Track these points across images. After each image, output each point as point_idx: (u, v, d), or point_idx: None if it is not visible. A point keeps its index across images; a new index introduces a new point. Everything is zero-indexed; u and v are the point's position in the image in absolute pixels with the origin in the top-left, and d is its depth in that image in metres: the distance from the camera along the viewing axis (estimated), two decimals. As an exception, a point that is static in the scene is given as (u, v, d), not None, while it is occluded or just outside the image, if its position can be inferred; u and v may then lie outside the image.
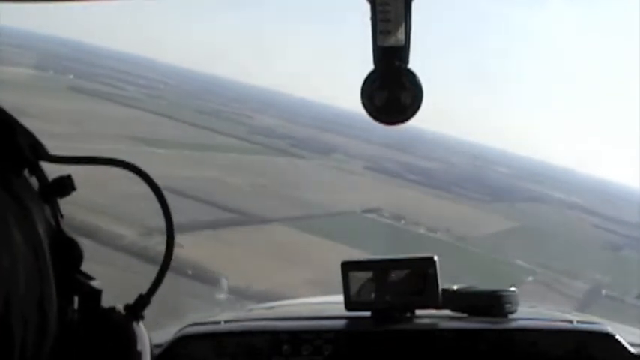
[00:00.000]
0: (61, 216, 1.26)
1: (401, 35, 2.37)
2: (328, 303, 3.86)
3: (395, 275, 3.31)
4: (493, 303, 3.32)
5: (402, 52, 2.41)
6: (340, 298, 3.37)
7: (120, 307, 1.37)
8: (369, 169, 49.58)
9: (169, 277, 1.52)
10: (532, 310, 3.63)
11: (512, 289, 3.38)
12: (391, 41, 2.38)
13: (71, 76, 56.59)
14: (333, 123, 64.29)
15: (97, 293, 1.29)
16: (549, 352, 3.16)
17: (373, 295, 3.32)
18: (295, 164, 47.59)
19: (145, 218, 27.80)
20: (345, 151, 52.54)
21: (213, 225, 29.97)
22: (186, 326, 3.26)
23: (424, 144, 62.27)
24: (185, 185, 35.91)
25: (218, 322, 3.31)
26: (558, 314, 3.51)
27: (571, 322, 3.26)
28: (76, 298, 1.28)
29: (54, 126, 40.03)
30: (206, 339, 3.23)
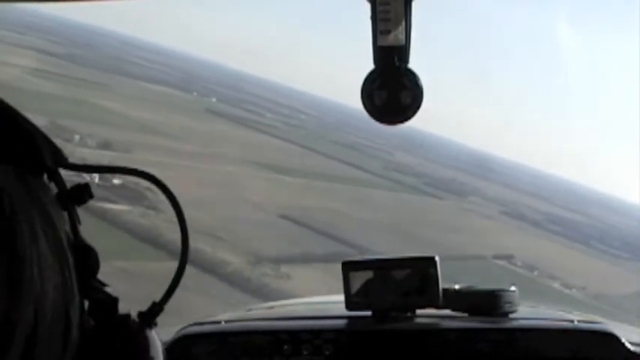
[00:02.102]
0: (79, 222, 1.26)
1: (401, 35, 2.38)
2: (328, 303, 3.82)
3: (396, 275, 3.31)
4: (494, 303, 3.28)
5: (402, 52, 2.42)
6: (340, 297, 3.33)
7: (134, 314, 1.36)
8: (506, 215, 47.56)
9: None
10: (533, 310, 3.60)
11: (513, 288, 3.35)
12: (391, 41, 2.39)
13: (214, 99, 57.19)
14: (473, 165, 62.26)
15: (114, 301, 1.30)
16: (550, 352, 3.14)
17: (374, 294, 3.30)
18: (427, 203, 45.94)
19: (259, 246, 26.40)
20: (482, 194, 50.66)
21: (328, 258, 28.47)
22: (187, 326, 3.26)
23: (565, 194, 59.34)
24: (306, 215, 34.76)
25: (219, 322, 3.31)
26: (559, 314, 3.45)
27: (572, 321, 3.23)
28: (92, 306, 1.28)
29: (183, 144, 40.28)
30: (207, 339, 3.24)
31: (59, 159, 1.26)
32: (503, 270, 35.73)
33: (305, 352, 3.17)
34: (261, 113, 58.39)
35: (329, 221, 33.94)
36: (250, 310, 3.86)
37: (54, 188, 1.25)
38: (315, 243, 30.38)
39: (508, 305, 3.31)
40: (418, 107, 2.47)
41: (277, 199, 36.30)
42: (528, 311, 3.48)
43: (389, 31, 2.38)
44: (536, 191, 55.97)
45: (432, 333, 3.22)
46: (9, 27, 57.18)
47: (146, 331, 1.38)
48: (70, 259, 1.17)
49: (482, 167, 64.35)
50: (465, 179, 55.11)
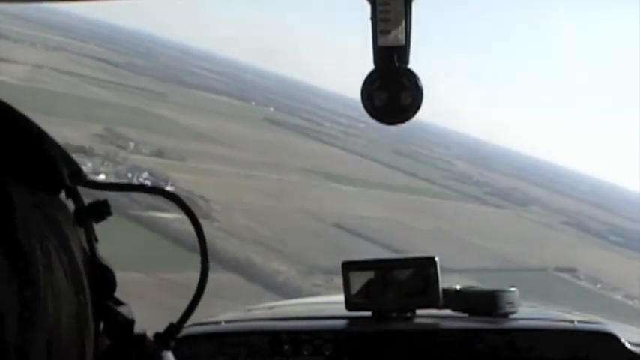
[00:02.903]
0: (96, 240, 1.23)
1: (401, 35, 2.39)
2: (328, 303, 3.81)
3: (396, 275, 3.28)
4: (494, 303, 3.24)
5: (402, 52, 2.42)
6: (340, 298, 3.29)
7: (150, 335, 1.35)
8: (568, 225, 46.53)
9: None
10: (533, 310, 3.54)
11: (513, 289, 3.29)
12: (391, 41, 2.40)
13: (272, 109, 57.15)
14: (534, 174, 61.31)
15: (130, 322, 1.27)
16: (550, 352, 3.13)
17: (374, 295, 3.27)
18: (487, 213, 45.24)
19: (312, 256, 25.91)
20: (543, 204, 49.72)
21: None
22: (186, 326, 2.17)
23: (627, 204, 57.91)
24: (363, 224, 34.29)
25: (219, 322, 3.30)
26: (559, 314, 3.43)
27: (572, 322, 3.19)
28: (108, 327, 1.24)
29: (239, 153, 40.20)
30: (207, 339, 3.22)
31: (78, 177, 1.22)
32: (566, 283, 34.99)
33: (305, 353, 3.16)
34: (319, 122, 58.29)
35: (386, 231, 33.48)
36: (250, 310, 3.85)
37: (71, 206, 1.22)
38: (370, 253, 29.72)
39: (508, 305, 3.28)
40: (418, 107, 2.47)
41: (333, 208, 35.92)
42: (528, 311, 3.46)
43: (389, 31, 2.38)
44: (597, 201, 54.63)
45: (432, 333, 3.22)
46: (71, 35, 57.81)
47: (162, 353, 1.36)
48: (86, 283, 1.14)
49: (542, 176, 63.36)
50: (525, 188, 54.30)
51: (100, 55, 54.14)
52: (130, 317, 1.26)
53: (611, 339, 3.14)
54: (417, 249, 31.00)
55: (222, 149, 39.77)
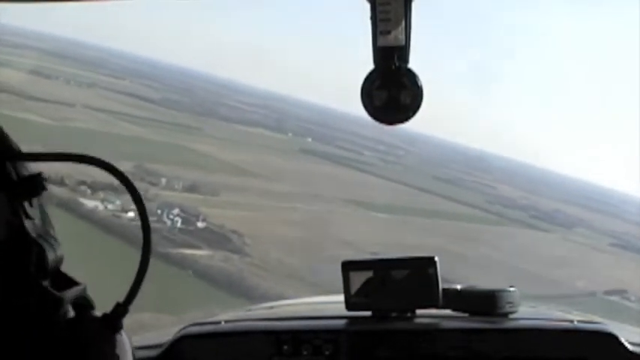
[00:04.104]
0: (28, 217, 1.24)
1: (401, 35, 2.42)
2: (328, 303, 3.80)
3: (395, 275, 3.29)
4: (493, 303, 3.28)
5: (402, 52, 2.45)
6: (340, 298, 3.34)
7: (97, 314, 1.33)
8: (615, 246, 45.23)
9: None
10: (533, 310, 3.55)
11: (512, 289, 3.33)
12: (391, 41, 2.42)
13: (309, 139, 56.49)
14: (579, 196, 59.99)
15: (58, 300, 1.24)
16: (550, 352, 3.15)
17: (374, 295, 3.29)
18: (533, 236, 44.43)
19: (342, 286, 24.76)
20: (589, 226, 48.48)
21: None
22: (186, 326, 3.28)
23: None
24: (404, 253, 33.04)
25: (218, 322, 3.34)
26: (559, 314, 3.45)
27: (572, 322, 3.22)
28: (34, 305, 1.23)
29: (275, 185, 40.09)
30: (207, 339, 3.26)
31: (7, 152, 1.24)
32: (616, 306, 33.32)
33: (305, 352, 3.18)
34: (358, 151, 57.59)
35: (430, 258, 32.50)
36: (250, 310, 3.85)
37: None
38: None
39: (508, 305, 3.28)
40: (418, 107, 2.49)
41: (371, 237, 35.13)
42: (528, 311, 3.45)
43: (389, 31, 2.40)
44: (644, 221, 53.35)
45: (432, 333, 3.20)
46: (105, 72, 57.90)
47: (109, 334, 1.28)
48: None
49: (587, 198, 62.03)
50: (571, 211, 53.03)
51: (134, 91, 54.21)
52: (59, 296, 1.20)
53: (611, 339, 3.11)
54: (462, 276, 29.94)
55: (256, 182, 39.54)
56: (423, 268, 3.29)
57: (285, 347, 3.18)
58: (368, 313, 3.33)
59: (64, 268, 1.35)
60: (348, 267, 3.34)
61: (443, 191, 48.44)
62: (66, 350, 1.20)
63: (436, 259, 3.29)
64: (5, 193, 1.19)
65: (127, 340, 1.31)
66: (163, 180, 34.98)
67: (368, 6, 2.38)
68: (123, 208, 27.98)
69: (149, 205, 31.94)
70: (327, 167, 48.76)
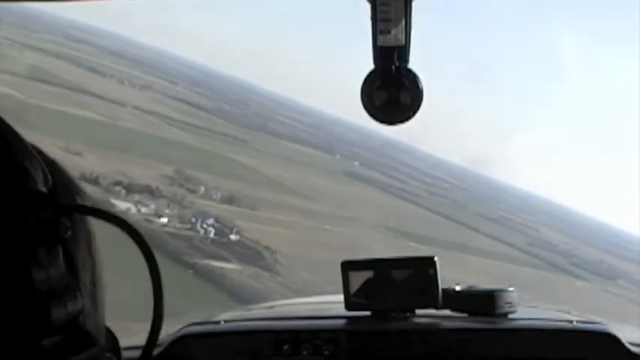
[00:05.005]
0: (40, 266, 1.13)
1: (401, 35, 2.37)
2: (328, 303, 3.72)
3: (395, 275, 3.24)
4: (493, 303, 3.21)
5: (402, 52, 2.40)
6: (340, 297, 3.28)
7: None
8: (658, 302, 43.98)
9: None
10: (532, 310, 3.51)
11: (511, 289, 3.28)
12: (391, 41, 2.38)
13: (356, 163, 56.02)
14: (623, 248, 59.00)
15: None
16: (550, 352, 3.09)
17: (373, 295, 3.24)
18: (572, 284, 43.69)
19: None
20: (631, 279, 47.51)
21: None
22: (186, 326, 3.21)
23: None
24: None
25: (218, 322, 3.28)
26: (558, 314, 3.38)
27: (571, 322, 3.17)
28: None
29: (316, 206, 39.50)
30: (206, 339, 3.23)
31: (34, 195, 1.14)
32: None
33: (305, 352, 3.12)
34: (404, 180, 57.19)
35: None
36: (250, 309, 3.83)
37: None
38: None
39: (507, 305, 3.22)
40: (418, 107, 2.42)
41: None
42: (528, 311, 3.39)
43: (389, 31, 2.36)
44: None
45: (432, 333, 3.15)
46: (162, 75, 58.24)
47: None
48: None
49: (631, 250, 60.94)
50: (613, 261, 52.07)
51: (187, 98, 54.19)
52: None
53: (611, 339, 3.06)
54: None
55: (298, 200, 39.34)
56: (422, 268, 3.23)
57: (285, 347, 3.12)
58: (367, 313, 3.27)
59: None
60: (348, 267, 3.29)
61: (485, 229, 48.12)
62: None
63: (436, 259, 3.22)
64: (18, 240, 1.07)
65: None
66: (202, 188, 34.62)
67: (368, 6, 2.33)
68: (157, 212, 27.59)
69: (184, 212, 31.68)
70: (370, 192, 48.55)
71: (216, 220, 29.48)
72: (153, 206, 27.61)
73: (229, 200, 34.48)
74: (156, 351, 2.83)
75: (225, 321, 3.27)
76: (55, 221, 1.14)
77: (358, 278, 3.24)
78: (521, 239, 49.13)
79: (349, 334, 3.17)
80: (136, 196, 28.18)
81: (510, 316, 3.21)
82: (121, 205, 27.16)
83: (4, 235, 1.05)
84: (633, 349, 3.05)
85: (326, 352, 3.10)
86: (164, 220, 27.33)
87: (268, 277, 25.38)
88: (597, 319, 3.29)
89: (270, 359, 3.12)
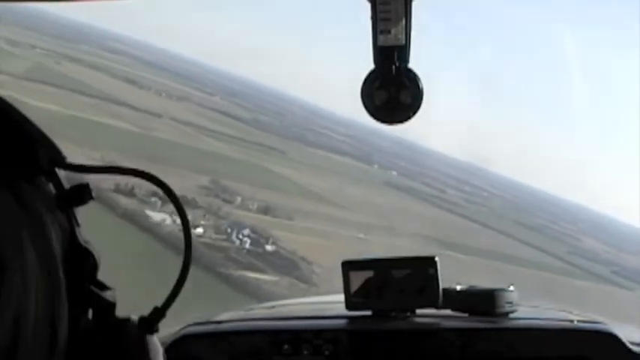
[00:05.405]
0: (78, 225, 1.28)
1: (401, 35, 2.41)
2: (328, 303, 3.77)
3: (395, 275, 3.26)
4: (493, 303, 3.25)
5: (402, 51, 2.44)
6: (340, 297, 3.33)
7: (135, 318, 1.38)
8: None
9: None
10: (532, 310, 3.53)
11: (511, 288, 3.32)
12: (391, 41, 2.42)
13: (394, 173, 55.82)
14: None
15: (111, 305, 1.32)
16: (550, 352, 3.13)
17: (374, 294, 3.28)
18: (613, 293, 43.00)
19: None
20: None
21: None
22: (187, 326, 3.28)
23: None
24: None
25: (219, 322, 3.34)
26: (559, 314, 3.43)
27: (572, 321, 3.21)
28: (90, 310, 1.31)
29: (353, 215, 39.98)
30: (207, 339, 3.27)
31: (56, 160, 1.27)
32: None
33: (305, 352, 3.14)
34: (442, 189, 56.95)
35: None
36: (250, 309, 3.83)
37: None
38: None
39: (507, 305, 3.26)
40: (418, 107, 2.46)
41: (445, 276, 34.12)
42: (528, 311, 3.43)
43: (389, 31, 2.39)
44: None
45: (432, 333, 3.20)
46: (199, 86, 58.54)
47: (146, 337, 1.36)
48: (60, 265, 1.16)
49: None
50: (654, 270, 51.22)
51: (224, 109, 54.40)
52: (112, 300, 1.26)
53: (611, 339, 3.10)
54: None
55: (334, 210, 39.32)
56: (423, 268, 3.26)
57: (286, 347, 3.15)
58: (368, 313, 3.31)
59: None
60: (348, 267, 3.33)
61: (525, 237, 47.39)
62: (108, 351, 1.25)
63: (436, 259, 3.26)
64: (58, 201, 1.20)
65: (158, 342, 1.33)
66: (238, 199, 34.64)
67: (368, 6, 2.38)
68: (192, 223, 27.44)
69: (219, 223, 31.53)
70: (407, 202, 48.27)
71: (252, 231, 29.47)
72: (188, 217, 27.49)
73: (265, 210, 34.48)
74: None
75: (226, 321, 3.32)
76: (85, 184, 1.25)
77: (359, 278, 3.28)
78: (561, 248, 48.64)
79: (350, 333, 3.22)
80: (171, 207, 28.01)
81: (511, 315, 3.27)
82: (156, 217, 27.13)
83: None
84: (634, 348, 3.08)
85: (326, 352, 3.13)
86: (200, 230, 27.31)
87: (304, 287, 25.23)
88: (598, 318, 3.33)
89: (271, 359, 3.15)
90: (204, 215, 30.15)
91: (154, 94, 51.19)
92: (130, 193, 27.70)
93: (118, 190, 27.60)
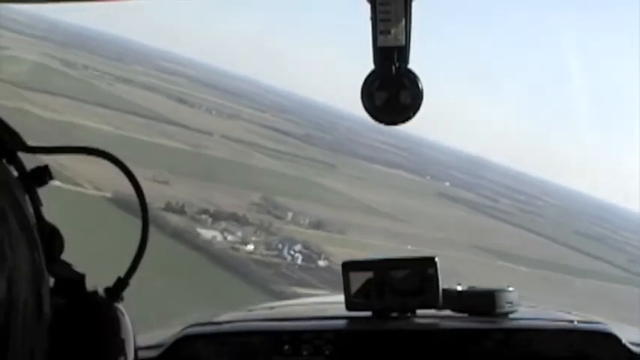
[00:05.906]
0: (41, 204, 1.35)
1: (401, 35, 2.44)
2: (328, 303, 3.81)
3: (395, 275, 3.27)
4: (493, 303, 3.28)
5: (402, 52, 2.47)
6: (340, 298, 3.35)
7: (101, 290, 1.47)
8: None
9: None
10: (532, 310, 3.55)
11: (511, 288, 3.36)
12: (391, 41, 2.44)
13: (447, 184, 55.47)
14: None
15: (81, 278, 1.40)
16: (550, 352, 3.15)
17: (374, 295, 3.30)
18: None
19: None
20: None
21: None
22: (187, 327, 3.30)
23: None
24: (535, 308, 31.69)
25: (219, 323, 3.37)
26: (559, 314, 3.45)
27: (572, 321, 3.24)
28: (60, 283, 1.38)
29: (406, 228, 40.39)
30: (207, 339, 3.29)
31: (17, 142, 1.32)
32: None
33: (305, 353, 3.15)
34: (495, 199, 56.26)
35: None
36: (251, 310, 3.81)
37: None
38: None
39: (507, 305, 3.28)
40: (418, 107, 2.48)
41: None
42: (528, 311, 3.45)
43: (389, 32, 2.40)
44: None
45: (432, 333, 3.22)
46: (250, 104, 58.85)
47: (113, 306, 1.42)
48: (38, 239, 1.19)
49: None
50: None
51: (276, 125, 54.53)
52: (81, 273, 1.35)
53: (611, 339, 3.12)
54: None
55: (388, 223, 39.20)
56: (423, 268, 3.27)
57: (286, 347, 3.16)
58: (368, 313, 3.33)
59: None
60: (348, 267, 3.33)
61: (584, 247, 46.68)
62: (78, 320, 1.31)
63: (436, 259, 3.28)
64: (22, 181, 1.26)
65: (124, 311, 1.40)
66: (290, 214, 34.53)
67: (368, 6, 2.40)
68: (243, 239, 27.37)
69: (271, 239, 31.41)
70: (460, 212, 47.85)
71: (304, 246, 29.35)
72: (239, 234, 27.56)
73: (317, 225, 34.40)
74: (157, 352, 3.12)
75: (227, 322, 3.33)
76: (44, 166, 1.31)
77: (359, 278, 3.28)
78: (621, 257, 47.89)
79: (350, 334, 3.23)
80: (223, 224, 28.20)
81: (511, 315, 3.28)
82: (207, 234, 27.18)
83: None
84: (634, 349, 3.08)
85: (326, 352, 3.14)
86: (250, 247, 27.20)
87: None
88: (598, 319, 3.34)
89: (271, 359, 3.16)
90: (255, 232, 30.11)
91: (204, 112, 51.57)
92: (181, 210, 27.82)
93: (169, 207, 27.74)
